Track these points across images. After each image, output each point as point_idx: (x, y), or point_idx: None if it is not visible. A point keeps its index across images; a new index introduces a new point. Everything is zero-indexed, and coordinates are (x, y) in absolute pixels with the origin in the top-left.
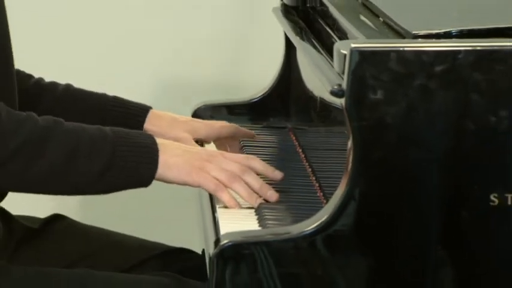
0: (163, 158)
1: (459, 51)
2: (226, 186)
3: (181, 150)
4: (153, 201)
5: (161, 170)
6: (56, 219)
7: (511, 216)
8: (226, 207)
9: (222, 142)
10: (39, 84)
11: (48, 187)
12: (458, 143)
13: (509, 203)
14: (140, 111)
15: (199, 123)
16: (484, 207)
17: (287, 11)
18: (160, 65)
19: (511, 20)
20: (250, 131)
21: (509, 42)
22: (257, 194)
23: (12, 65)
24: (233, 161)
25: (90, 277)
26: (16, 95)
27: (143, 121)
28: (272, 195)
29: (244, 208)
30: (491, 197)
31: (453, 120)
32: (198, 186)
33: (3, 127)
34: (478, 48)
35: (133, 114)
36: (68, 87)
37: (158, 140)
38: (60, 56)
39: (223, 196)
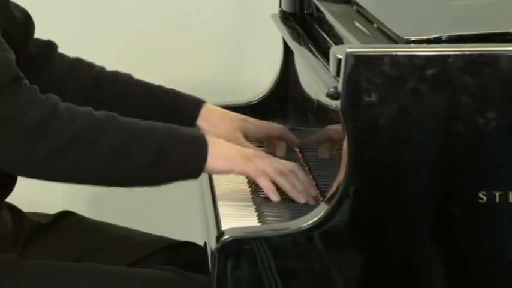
0: (212, 151)
1: (449, 56)
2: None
3: (230, 146)
4: (159, 196)
5: (210, 162)
6: (65, 215)
7: (498, 213)
8: (227, 206)
9: (270, 142)
10: (101, 73)
11: (102, 178)
12: (448, 143)
13: (497, 200)
14: (194, 105)
15: (248, 121)
16: (473, 205)
17: (285, 18)
18: (159, 67)
19: (497, 26)
20: (296, 138)
21: (496, 47)
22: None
23: None
24: (281, 163)
25: (95, 271)
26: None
27: (197, 115)
28: (310, 199)
29: (244, 206)
30: (480, 195)
31: (443, 122)
32: (242, 174)
33: (61, 118)
34: (467, 52)
35: (186, 108)
36: (130, 78)
37: (208, 137)
38: None
39: (264, 181)
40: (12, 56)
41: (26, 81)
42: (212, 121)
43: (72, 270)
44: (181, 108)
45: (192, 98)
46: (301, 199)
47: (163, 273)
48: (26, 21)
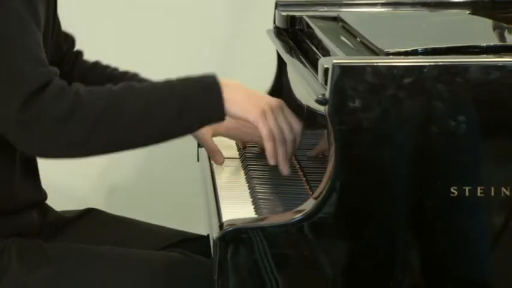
0: (227, 95)
1: (424, 66)
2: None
3: (243, 89)
4: (173, 195)
5: (227, 105)
6: (89, 211)
7: (468, 206)
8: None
9: None
10: (113, 73)
11: (136, 142)
12: (423, 144)
13: (467, 194)
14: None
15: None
16: (445, 198)
17: (279, 33)
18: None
19: (466, 40)
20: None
21: (465, 58)
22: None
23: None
24: (288, 121)
25: (110, 253)
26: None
27: None
28: (285, 170)
29: (242, 199)
30: (452, 190)
31: (419, 125)
32: (255, 124)
33: (85, 102)
34: (440, 63)
35: None
36: (136, 75)
37: (221, 80)
38: None
39: (269, 146)
40: (53, 70)
41: (57, 83)
42: None
43: (92, 253)
44: None
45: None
46: (271, 163)
47: (171, 254)
48: (69, 48)
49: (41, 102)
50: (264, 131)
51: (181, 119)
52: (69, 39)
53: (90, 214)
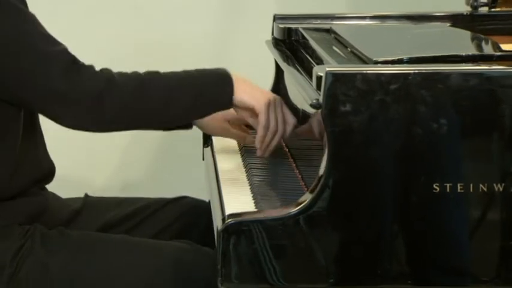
0: (238, 86)
1: (409, 74)
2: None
3: (249, 83)
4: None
5: (236, 95)
6: (87, 197)
7: (449, 201)
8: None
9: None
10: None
11: (158, 121)
12: (408, 144)
13: (448, 190)
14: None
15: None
16: (428, 194)
17: (277, 43)
18: None
19: (447, 50)
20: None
21: (446, 66)
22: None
23: None
24: (283, 116)
25: (124, 242)
26: None
27: None
28: (262, 153)
29: (243, 195)
30: (434, 186)
31: (404, 127)
32: (258, 111)
33: (117, 84)
34: (423, 71)
35: None
36: None
37: (232, 74)
38: None
39: (261, 132)
40: (65, 46)
41: (83, 62)
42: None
43: (107, 240)
44: None
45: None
46: (257, 145)
47: (181, 244)
48: None
49: (77, 79)
50: (262, 119)
51: (197, 102)
52: None
53: (90, 199)
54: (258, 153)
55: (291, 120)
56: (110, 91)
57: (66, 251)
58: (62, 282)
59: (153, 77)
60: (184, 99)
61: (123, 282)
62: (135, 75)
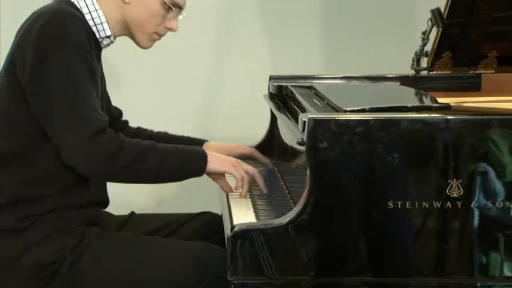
0: (210, 158)
1: (370, 119)
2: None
3: (221, 156)
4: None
5: (209, 165)
6: (133, 214)
7: (400, 215)
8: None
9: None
10: (147, 133)
11: (150, 180)
12: (369, 172)
13: (399, 206)
14: (198, 144)
15: (230, 147)
16: (385, 209)
17: (272, 96)
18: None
19: (398, 101)
20: (263, 157)
21: (398, 114)
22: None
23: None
24: (247, 169)
25: (160, 242)
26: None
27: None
28: (245, 191)
29: (247, 209)
30: (389, 203)
31: (367, 159)
32: (230, 173)
33: (127, 149)
34: (381, 118)
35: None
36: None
37: (207, 151)
38: None
39: (240, 182)
40: (105, 117)
41: (109, 130)
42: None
43: (145, 240)
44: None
45: (196, 139)
46: (239, 187)
47: (195, 243)
48: (118, 117)
49: (100, 142)
50: (237, 175)
51: (180, 170)
52: (118, 111)
53: (133, 216)
54: (242, 194)
55: (251, 169)
56: (121, 154)
57: (116, 247)
58: (112, 271)
59: (151, 148)
60: (172, 167)
61: (159, 269)
62: (139, 144)
